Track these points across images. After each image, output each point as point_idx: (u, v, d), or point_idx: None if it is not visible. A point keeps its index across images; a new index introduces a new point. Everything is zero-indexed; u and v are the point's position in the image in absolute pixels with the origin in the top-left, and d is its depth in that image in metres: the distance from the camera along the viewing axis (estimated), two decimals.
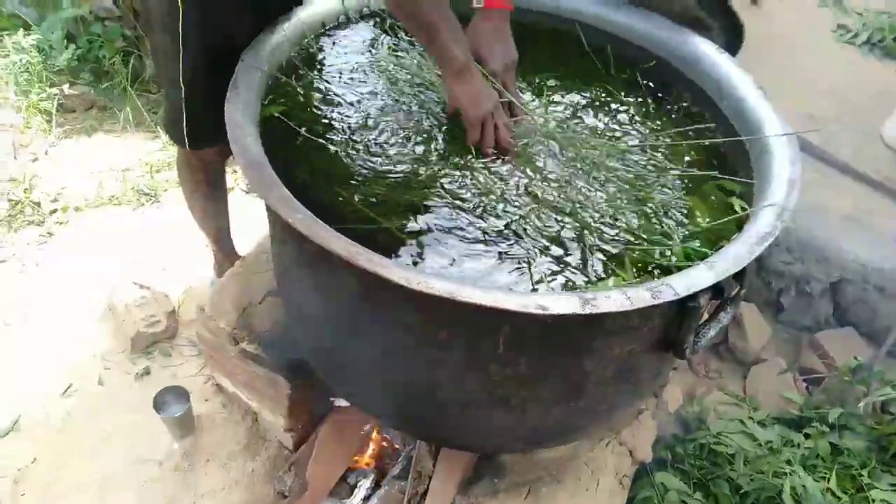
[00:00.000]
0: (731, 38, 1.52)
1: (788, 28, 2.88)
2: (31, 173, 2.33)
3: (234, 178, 2.41)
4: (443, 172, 1.11)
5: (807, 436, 1.67)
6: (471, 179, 1.10)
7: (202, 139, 1.42)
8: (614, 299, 0.85)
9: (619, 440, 1.32)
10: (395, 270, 0.84)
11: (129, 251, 2.10)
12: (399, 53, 1.37)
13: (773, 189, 1.07)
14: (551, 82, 1.36)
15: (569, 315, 0.84)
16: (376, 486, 1.53)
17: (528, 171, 1.13)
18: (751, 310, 1.95)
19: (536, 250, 1.01)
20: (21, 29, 2.83)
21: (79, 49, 2.88)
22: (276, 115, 1.16)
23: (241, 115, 1.08)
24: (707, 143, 1.24)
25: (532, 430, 1.16)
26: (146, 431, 1.65)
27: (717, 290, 0.96)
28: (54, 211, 2.21)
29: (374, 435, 1.60)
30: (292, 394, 1.43)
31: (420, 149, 1.15)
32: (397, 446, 1.58)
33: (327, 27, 1.40)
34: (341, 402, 1.59)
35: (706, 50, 1.38)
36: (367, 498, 1.51)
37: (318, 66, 1.31)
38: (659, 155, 1.21)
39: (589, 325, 0.94)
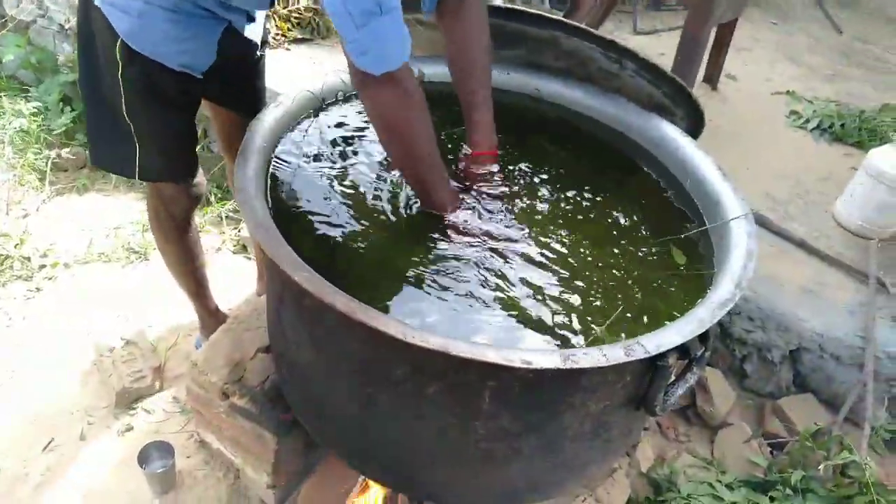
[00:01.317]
0: (694, 123, 1.67)
1: (745, 114, 3.11)
2: (21, 229, 2.38)
3: (223, 238, 2.48)
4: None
5: (772, 499, 1.74)
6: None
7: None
8: (592, 356, 0.94)
9: (594, 497, 1.37)
10: (392, 325, 0.92)
11: (116, 307, 2.14)
12: None
13: (732, 260, 1.18)
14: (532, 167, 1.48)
15: (550, 370, 0.93)
16: None
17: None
18: (716, 375, 2.04)
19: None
20: (20, 92, 2.93)
21: (73, 111, 2.98)
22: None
23: (248, 182, 1.17)
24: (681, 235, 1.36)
25: (512, 486, 1.21)
26: (126, 487, 1.65)
27: (683, 350, 1.05)
28: (43, 266, 2.25)
29: (356, 493, 1.62)
30: (278, 449, 1.47)
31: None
32: (381, 501, 1.60)
33: (326, 102, 1.52)
34: (324, 462, 1.62)
35: (671, 133, 1.53)
36: None
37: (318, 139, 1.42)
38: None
39: (568, 381, 1.02)
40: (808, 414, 1.97)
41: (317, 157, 1.38)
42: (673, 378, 1.14)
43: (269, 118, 1.36)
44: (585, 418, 1.11)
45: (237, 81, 1.65)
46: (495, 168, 1.37)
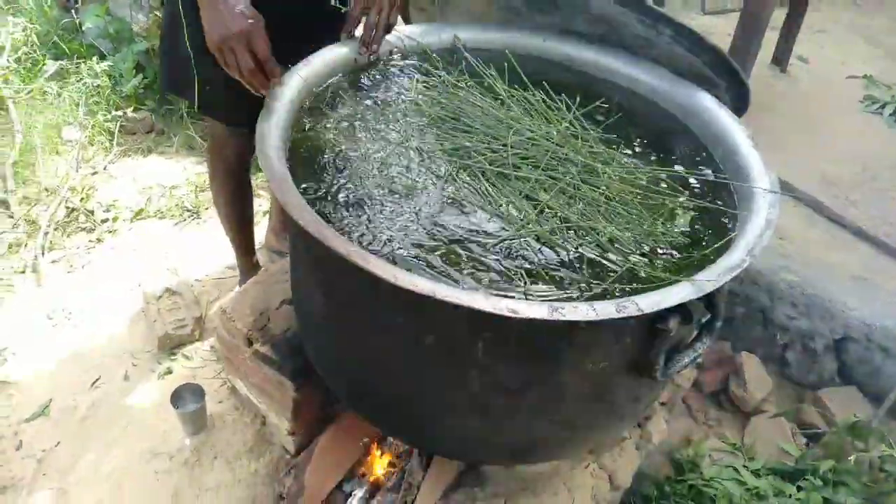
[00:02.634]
0: (738, 97, 1.60)
1: (815, 97, 2.95)
2: (88, 185, 2.54)
3: None
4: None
5: (800, 488, 1.67)
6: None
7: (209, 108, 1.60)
8: (581, 310, 0.93)
9: (598, 464, 1.36)
10: (386, 268, 0.94)
11: (167, 261, 2.26)
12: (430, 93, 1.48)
13: (749, 227, 1.14)
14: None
15: (540, 322, 0.93)
16: (370, 496, 1.60)
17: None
18: (752, 360, 1.98)
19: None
20: (96, 56, 3.12)
21: (145, 78, 3.14)
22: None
23: (269, 132, 1.21)
24: (702, 179, 1.32)
25: (512, 441, 1.22)
26: (162, 427, 1.76)
27: (685, 314, 1.03)
28: (105, 220, 2.40)
29: (373, 447, 1.67)
30: (297, 396, 1.53)
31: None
32: (394, 460, 1.64)
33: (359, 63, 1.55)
34: (343, 414, 1.67)
35: (704, 101, 1.48)
36: None
37: (351, 99, 1.44)
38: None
39: (562, 336, 1.02)
40: (850, 407, 1.89)
41: (343, 116, 1.40)
42: (682, 346, 1.13)
43: (301, 72, 1.40)
44: (584, 378, 1.10)
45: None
46: None
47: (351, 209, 1.15)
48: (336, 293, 1.14)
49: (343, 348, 1.25)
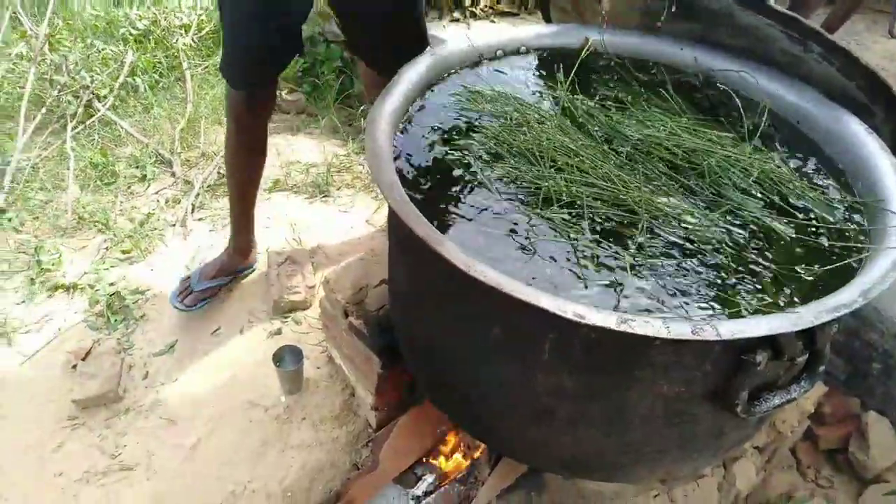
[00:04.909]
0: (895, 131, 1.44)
1: None
2: None
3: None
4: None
5: None
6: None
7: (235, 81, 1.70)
8: (652, 325, 0.89)
9: (669, 496, 1.28)
10: (459, 256, 0.95)
11: (294, 231, 2.42)
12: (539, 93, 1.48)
13: (871, 268, 1.02)
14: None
15: (607, 331, 0.89)
16: (439, 484, 1.62)
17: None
18: (882, 423, 1.75)
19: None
20: None
21: (304, 64, 3.38)
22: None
23: (381, 116, 1.26)
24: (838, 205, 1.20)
25: (573, 453, 1.18)
26: (263, 381, 1.90)
27: (774, 348, 0.95)
28: None
29: (449, 437, 1.69)
30: (382, 373, 1.58)
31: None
32: (467, 452, 1.65)
33: (485, 56, 1.57)
34: (424, 399, 1.71)
35: (853, 127, 1.34)
36: (427, 492, 1.61)
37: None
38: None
39: (633, 350, 0.98)
40: None
41: (454, 111, 1.41)
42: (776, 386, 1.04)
43: (421, 65, 1.44)
44: (657, 400, 1.05)
45: (376, 34, 1.73)
46: None
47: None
48: (416, 276, 1.17)
49: (422, 334, 1.28)
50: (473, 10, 3.01)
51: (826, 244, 1.14)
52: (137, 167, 2.70)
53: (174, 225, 2.44)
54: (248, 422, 1.80)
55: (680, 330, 0.89)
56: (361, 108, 3.12)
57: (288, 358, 1.83)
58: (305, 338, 2.02)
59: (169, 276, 2.20)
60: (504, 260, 1.06)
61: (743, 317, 1.00)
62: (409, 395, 1.72)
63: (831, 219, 1.19)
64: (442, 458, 1.65)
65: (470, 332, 1.12)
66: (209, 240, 2.39)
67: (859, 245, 1.13)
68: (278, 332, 2.05)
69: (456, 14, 2.99)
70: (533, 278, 1.04)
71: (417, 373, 1.42)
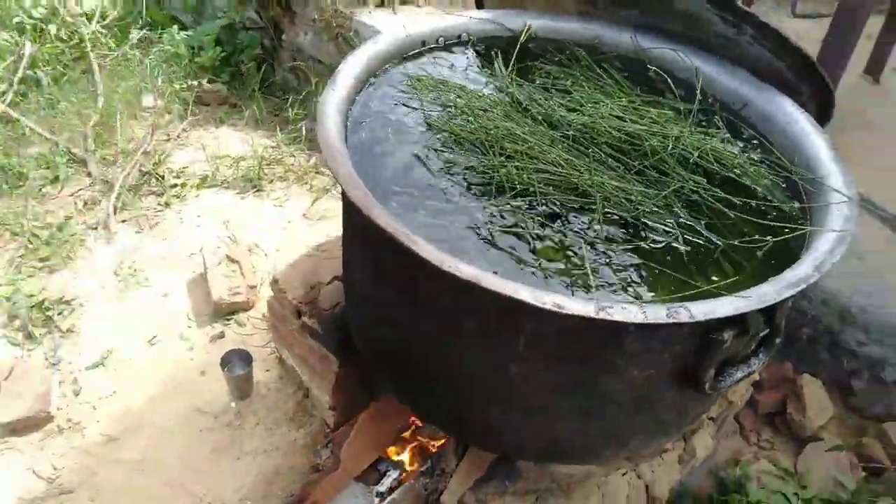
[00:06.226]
0: (821, 105, 1.51)
1: None
2: (162, 151, 2.64)
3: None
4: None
5: None
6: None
7: None
8: (630, 311, 0.90)
9: (636, 472, 1.32)
10: (431, 251, 0.93)
11: (228, 229, 2.32)
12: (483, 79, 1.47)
13: (820, 242, 1.08)
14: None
15: (584, 319, 0.90)
16: (403, 479, 1.61)
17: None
18: (814, 385, 1.87)
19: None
20: (177, 26, 3.22)
21: (223, 52, 3.23)
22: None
23: (331, 107, 1.22)
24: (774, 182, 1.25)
25: (546, 440, 1.20)
26: (209, 387, 1.82)
27: (741, 326, 0.98)
28: (174, 185, 2.49)
29: (411, 431, 1.67)
30: (339, 372, 1.54)
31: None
32: (429, 445, 1.64)
33: (427, 45, 1.54)
34: (384, 394, 1.68)
35: (786, 107, 1.40)
36: (392, 488, 1.58)
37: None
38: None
39: (606, 336, 0.99)
40: None
41: (400, 100, 1.39)
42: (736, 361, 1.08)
43: (364, 53, 1.40)
44: (629, 384, 1.07)
45: None
46: None
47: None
48: (381, 271, 1.14)
49: (386, 329, 1.25)
50: None
51: (768, 221, 1.18)
52: (48, 168, 2.50)
53: (95, 228, 2.28)
54: (198, 431, 1.72)
55: (656, 314, 0.90)
56: (288, 97, 3.01)
57: (236, 362, 1.76)
58: (251, 339, 1.94)
59: (96, 282, 2.07)
60: (466, 252, 1.05)
61: (706, 296, 1.02)
62: (366, 392, 1.68)
63: (771, 197, 1.24)
64: (404, 453, 1.64)
65: (441, 326, 1.10)
66: (136, 242, 2.25)
67: (800, 224, 1.18)
68: (221, 335, 1.96)
69: None
70: (495, 272, 1.03)
71: (381, 370, 1.39)
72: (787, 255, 1.13)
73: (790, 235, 1.14)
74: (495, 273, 0.95)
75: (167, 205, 2.41)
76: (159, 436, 1.70)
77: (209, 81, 3.12)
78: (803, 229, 1.15)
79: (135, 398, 1.79)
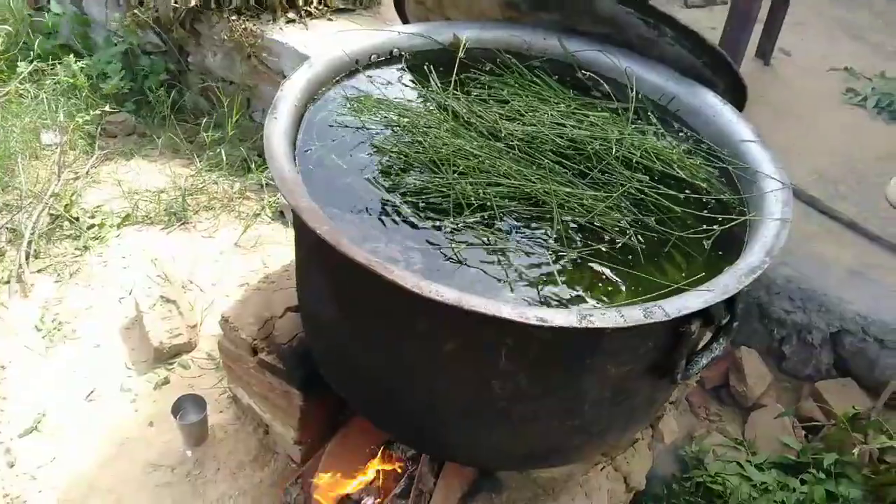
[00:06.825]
0: (736, 97, 1.61)
1: (798, 90, 2.99)
2: (71, 191, 2.47)
3: (262, 205, 2.53)
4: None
5: (803, 481, 1.69)
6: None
7: None
8: (609, 316, 0.93)
9: (613, 466, 1.36)
10: (409, 278, 0.92)
11: (157, 267, 2.20)
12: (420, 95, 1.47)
13: (764, 228, 1.14)
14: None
15: (568, 329, 0.92)
16: (380, 503, 1.58)
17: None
18: (751, 355, 2.00)
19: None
20: (72, 55, 3.02)
21: (123, 80, 3.06)
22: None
23: (277, 138, 1.18)
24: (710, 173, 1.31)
25: (531, 449, 1.21)
26: (160, 438, 1.72)
27: (707, 317, 1.03)
28: (91, 227, 2.34)
29: (381, 454, 1.65)
30: (304, 406, 1.50)
31: None
32: (402, 466, 1.62)
33: (361, 64, 1.52)
34: (351, 421, 1.65)
35: (710, 100, 1.48)
36: None
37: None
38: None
39: (587, 342, 1.01)
40: (848, 399, 1.91)
41: (342, 123, 1.36)
42: (699, 347, 1.14)
43: (301, 77, 1.37)
44: (606, 383, 1.10)
45: None
46: None
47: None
48: (353, 301, 1.12)
49: (358, 356, 1.23)
50: (308, 8, 2.90)
51: (711, 213, 1.24)
52: None
53: (8, 282, 2.11)
54: (155, 487, 1.62)
55: (633, 316, 0.93)
56: (201, 121, 2.89)
57: (189, 408, 1.68)
58: (198, 381, 1.86)
59: (16, 341, 1.91)
60: (436, 272, 1.04)
61: (675, 292, 1.06)
62: (332, 420, 1.65)
63: (710, 188, 1.30)
64: (378, 476, 1.61)
65: (419, 349, 1.09)
66: (56, 292, 2.10)
67: (740, 211, 1.25)
68: (166, 381, 1.86)
69: (291, 14, 2.85)
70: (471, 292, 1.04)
71: (350, 396, 1.36)
72: (731, 241, 1.19)
73: (735, 223, 1.21)
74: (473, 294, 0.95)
75: (86, 248, 2.26)
76: (114, 498, 1.60)
77: (111, 112, 2.95)
78: (746, 217, 1.22)
79: (78, 462, 1.67)
